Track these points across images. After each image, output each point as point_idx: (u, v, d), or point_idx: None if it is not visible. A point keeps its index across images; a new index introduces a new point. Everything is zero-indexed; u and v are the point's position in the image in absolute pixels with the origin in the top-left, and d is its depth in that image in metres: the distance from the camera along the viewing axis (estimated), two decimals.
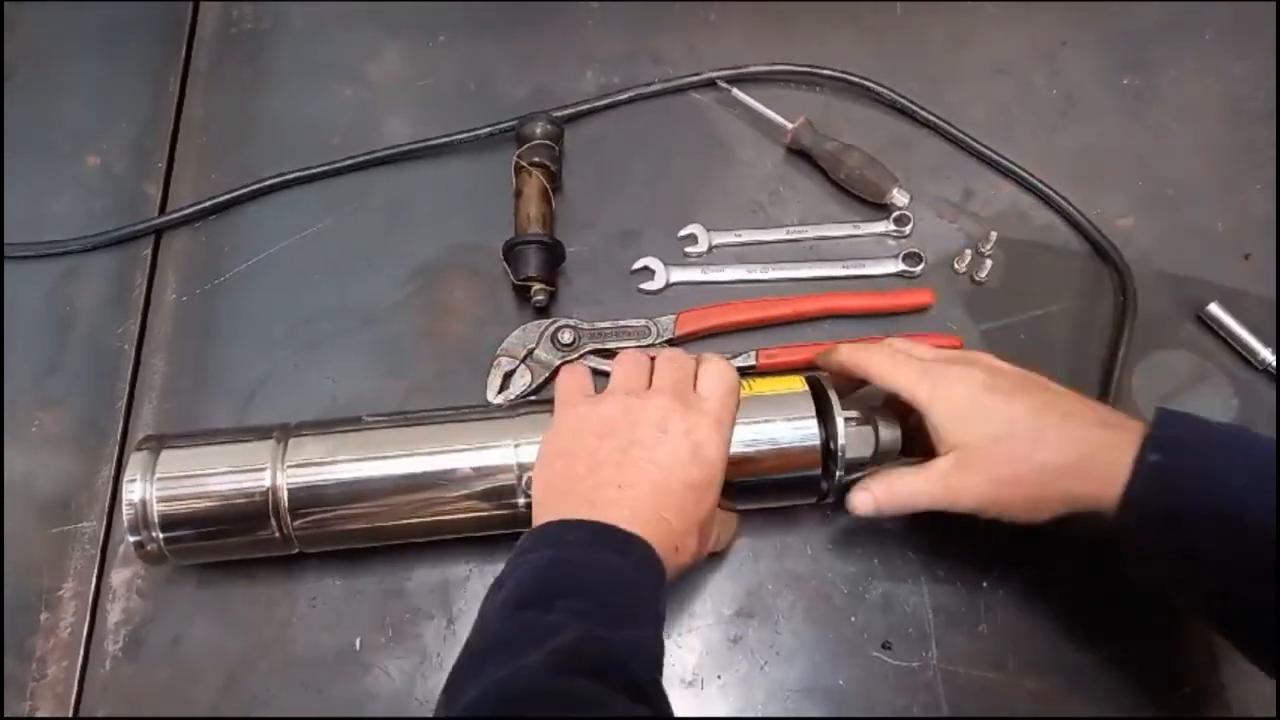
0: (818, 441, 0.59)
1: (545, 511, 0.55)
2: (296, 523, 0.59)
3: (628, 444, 0.55)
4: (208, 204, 0.76)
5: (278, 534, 0.59)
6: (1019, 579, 0.65)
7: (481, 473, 0.59)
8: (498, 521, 0.61)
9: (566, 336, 0.70)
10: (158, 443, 0.60)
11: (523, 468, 0.59)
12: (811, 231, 0.75)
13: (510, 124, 0.76)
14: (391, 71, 0.82)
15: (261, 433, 0.61)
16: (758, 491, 0.62)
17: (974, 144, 0.77)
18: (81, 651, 0.64)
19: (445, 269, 0.74)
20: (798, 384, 0.62)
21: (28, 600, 0.65)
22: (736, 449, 0.59)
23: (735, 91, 0.78)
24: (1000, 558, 0.65)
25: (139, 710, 0.62)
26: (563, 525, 0.52)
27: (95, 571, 0.66)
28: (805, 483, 0.61)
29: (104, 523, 0.67)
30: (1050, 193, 0.75)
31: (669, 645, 0.63)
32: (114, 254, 0.76)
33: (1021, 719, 0.61)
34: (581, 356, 0.70)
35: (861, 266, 0.74)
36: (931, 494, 0.57)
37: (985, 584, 0.64)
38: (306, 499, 0.59)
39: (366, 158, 0.77)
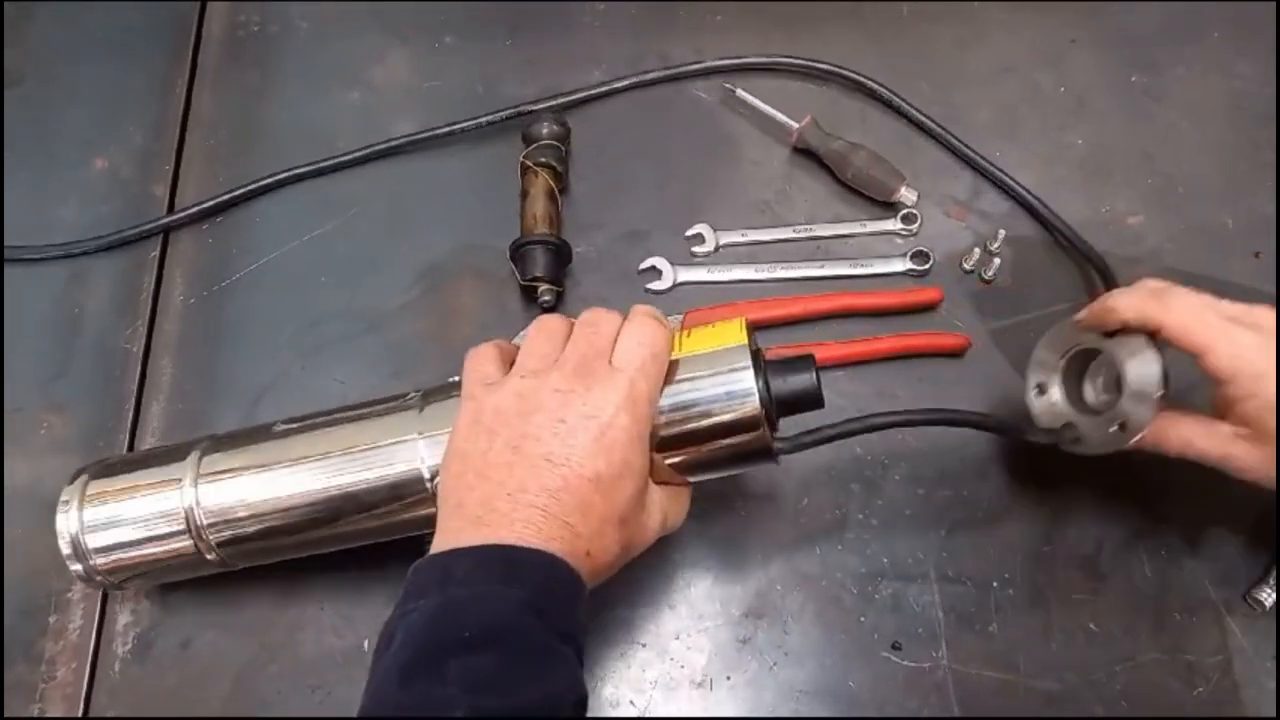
0: (755, 398, 0.51)
1: (442, 530, 0.49)
2: (215, 539, 0.57)
3: (519, 439, 0.48)
4: (215, 203, 0.76)
5: (208, 554, 0.58)
6: (1029, 578, 0.64)
7: (387, 475, 0.55)
8: (419, 523, 0.56)
9: None
10: (92, 470, 0.59)
11: (433, 469, 0.54)
12: (818, 231, 0.75)
13: (514, 113, 0.76)
14: (397, 74, 0.82)
15: (185, 450, 0.59)
16: (700, 464, 0.53)
17: (970, 152, 0.76)
18: (90, 654, 0.64)
19: (452, 270, 0.74)
20: (736, 333, 0.53)
21: (36, 603, 0.65)
22: (664, 419, 0.51)
23: (740, 92, 0.78)
24: (1011, 557, 0.65)
25: (148, 713, 0.62)
26: (451, 557, 0.47)
27: None
28: (753, 447, 0.52)
29: None
30: (1036, 204, 0.74)
31: (678, 647, 0.63)
32: (121, 257, 0.76)
33: (1037, 719, 0.61)
34: None
35: (869, 265, 0.74)
36: (1206, 452, 0.53)
37: (995, 584, 0.64)
38: (219, 514, 0.57)
39: (372, 150, 0.77)
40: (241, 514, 0.57)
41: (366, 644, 0.63)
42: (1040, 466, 0.67)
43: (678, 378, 0.52)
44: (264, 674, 0.63)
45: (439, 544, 0.49)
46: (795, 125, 0.76)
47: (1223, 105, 0.79)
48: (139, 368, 0.72)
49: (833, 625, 0.63)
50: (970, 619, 0.63)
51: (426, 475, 0.54)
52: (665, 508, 0.53)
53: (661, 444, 0.52)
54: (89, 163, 0.79)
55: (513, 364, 0.53)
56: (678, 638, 0.63)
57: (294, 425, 0.59)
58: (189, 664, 0.63)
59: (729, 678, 0.62)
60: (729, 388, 0.51)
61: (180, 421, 0.70)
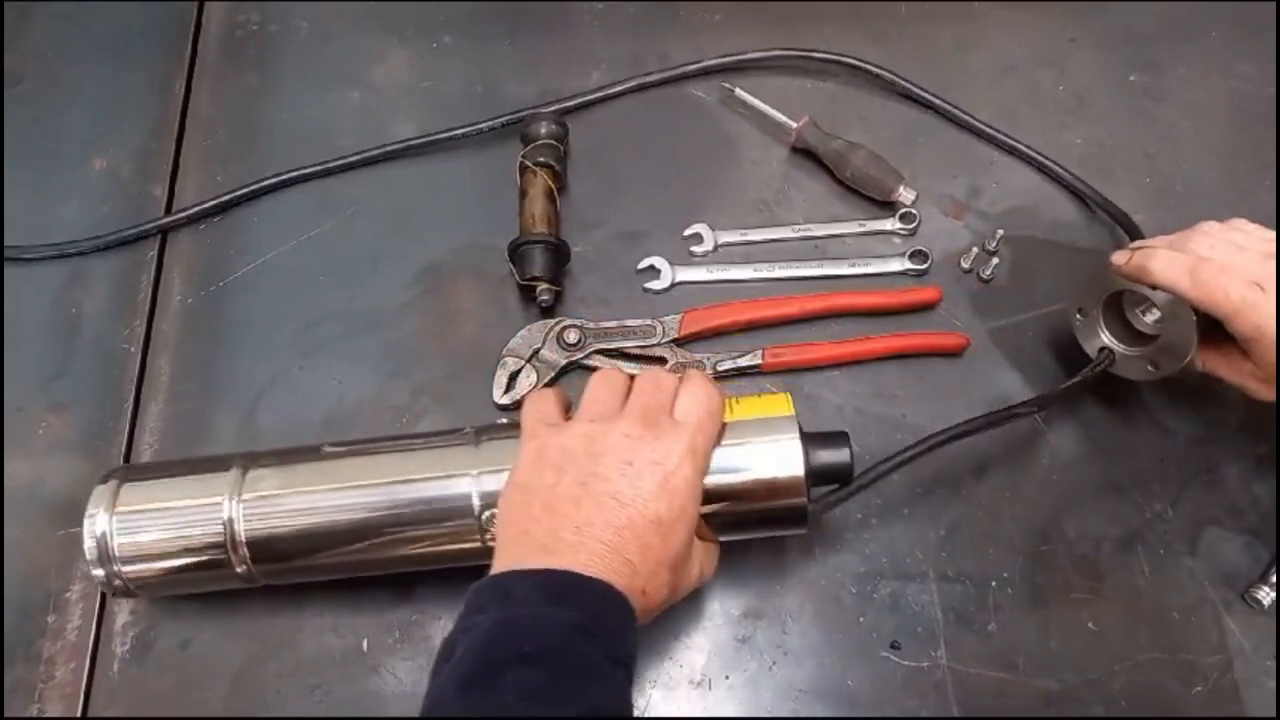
0: (801, 468, 0.55)
1: (502, 553, 0.52)
2: (254, 556, 0.57)
3: (588, 477, 0.51)
4: (213, 203, 0.76)
5: (238, 568, 0.57)
6: (1028, 578, 0.64)
7: (440, 505, 0.56)
8: (464, 555, 0.58)
9: (572, 336, 0.70)
10: (122, 474, 0.59)
11: (484, 499, 0.56)
12: (817, 230, 0.75)
13: (516, 116, 0.76)
14: (397, 74, 0.82)
15: (225, 463, 0.59)
16: (738, 523, 0.57)
17: (983, 127, 0.77)
18: (89, 654, 0.64)
19: (451, 270, 0.74)
20: (783, 405, 0.57)
21: (36, 603, 0.65)
22: (713, 478, 0.54)
23: (739, 92, 0.78)
24: (1009, 556, 0.65)
25: (147, 713, 0.62)
26: (513, 578, 0.49)
27: None
28: (790, 512, 0.56)
29: None
30: (1062, 172, 0.76)
31: (677, 647, 0.63)
32: (119, 257, 0.76)
33: (1036, 719, 0.61)
34: (587, 356, 0.70)
35: (867, 265, 0.74)
36: (1227, 378, 0.62)
37: (994, 583, 0.64)
38: (263, 531, 0.57)
39: (369, 155, 0.77)
40: (284, 534, 0.57)
41: (365, 643, 0.63)
42: (1039, 465, 0.67)
43: (728, 440, 0.56)
44: (263, 674, 0.63)
45: (499, 568, 0.51)
46: (794, 125, 0.76)
47: (1223, 105, 0.79)
48: (138, 368, 0.72)
49: (831, 625, 0.63)
50: (969, 618, 0.63)
51: (477, 509, 0.56)
52: (701, 561, 0.57)
53: (705, 499, 0.54)
54: (88, 163, 0.79)
55: (568, 411, 0.57)
56: (677, 637, 0.63)
57: (342, 449, 0.60)
58: (188, 664, 0.63)
59: (728, 677, 0.62)
60: (777, 454, 0.55)
61: (179, 421, 0.70)
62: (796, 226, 0.75)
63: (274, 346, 0.72)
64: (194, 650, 0.64)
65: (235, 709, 0.62)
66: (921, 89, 0.78)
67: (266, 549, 0.57)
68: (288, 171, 0.77)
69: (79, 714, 0.62)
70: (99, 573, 0.57)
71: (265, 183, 0.77)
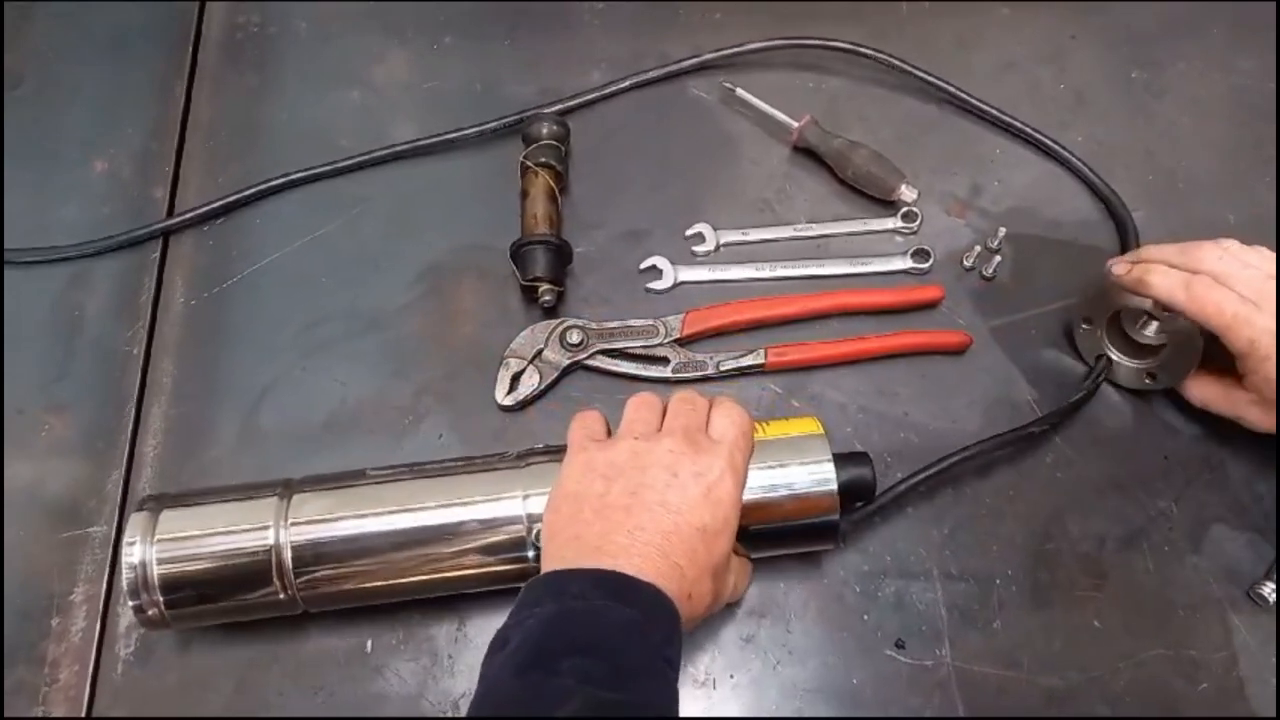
0: (834, 486, 0.58)
1: (552, 558, 0.54)
2: (301, 581, 0.57)
3: (637, 487, 0.54)
4: (215, 204, 0.76)
5: (282, 594, 0.57)
6: (1032, 576, 0.64)
7: (490, 526, 0.58)
8: (510, 576, 0.59)
9: (574, 337, 0.70)
10: (157, 503, 0.58)
11: (532, 520, 0.57)
12: (819, 229, 0.75)
13: (517, 118, 0.76)
14: (397, 75, 0.82)
15: (264, 489, 0.59)
16: (774, 538, 0.60)
17: (991, 110, 0.77)
18: (93, 656, 0.64)
19: (453, 270, 0.74)
20: (812, 426, 0.60)
21: (39, 605, 0.65)
22: (751, 494, 0.57)
23: (740, 91, 0.78)
24: (1013, 554, 0.65)
25: (150, 714, 0.62)
26: (567, 575, 0.51)
27: (105, 575, 0.66)
28: (822, 528, 0.59)
29: (114, 527, 0.67)
30: (1070, 156, 0.76)
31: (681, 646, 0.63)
32: (121, 259, 0.76)
33: (1038, 719, 0.61)
34: (590, 356, 0.70)
35: (869, 264, 0.74)
36: (1222, 411, 0.64)
37: (998, 581, 0.64)
38: (311, 557, 0.57)
39: (371, 156, 0.77)
40: (335, 553, 0.57)
41: (370, 644, 0.63)
42: (1043, 463, 0.67)
43: (766, 461, 0.59)
44: (266, 675, 0.63)
45: (549, 569, 0.53)
46: (795, 124, 0.76)
47: (1223, 101, 0.79)
48: (140, 369, 0.72)
49: (835, 623, 0.63)
50: (973, 616, 0.63)
51: (528, 530, 0.58)
52: (736, 573, 0.59)
53: (744, 515, 0.56)
54: (89, 165, 0.79)
55: (608, 433, 0.60)
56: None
57: (385, 473, 0.60)
58: (191, 666, 0.63)
59: (732, 676, 0.62)
60: (812, 471, 0.59)
61: (181, 422, 0.70)
62: (798, 226, 0.75)
63: (276, 347, 0.72)
64: (197, 652, 0.63)
65: (238, 710, 0.62)
66: (925, 73, 0.78)
67: (315, 573, 0.57)
68: (289, 173, 0.77)
69: (83, 715, 0.62)
70: (134, 602, 0.56)
71: (266, 184, 0.77)
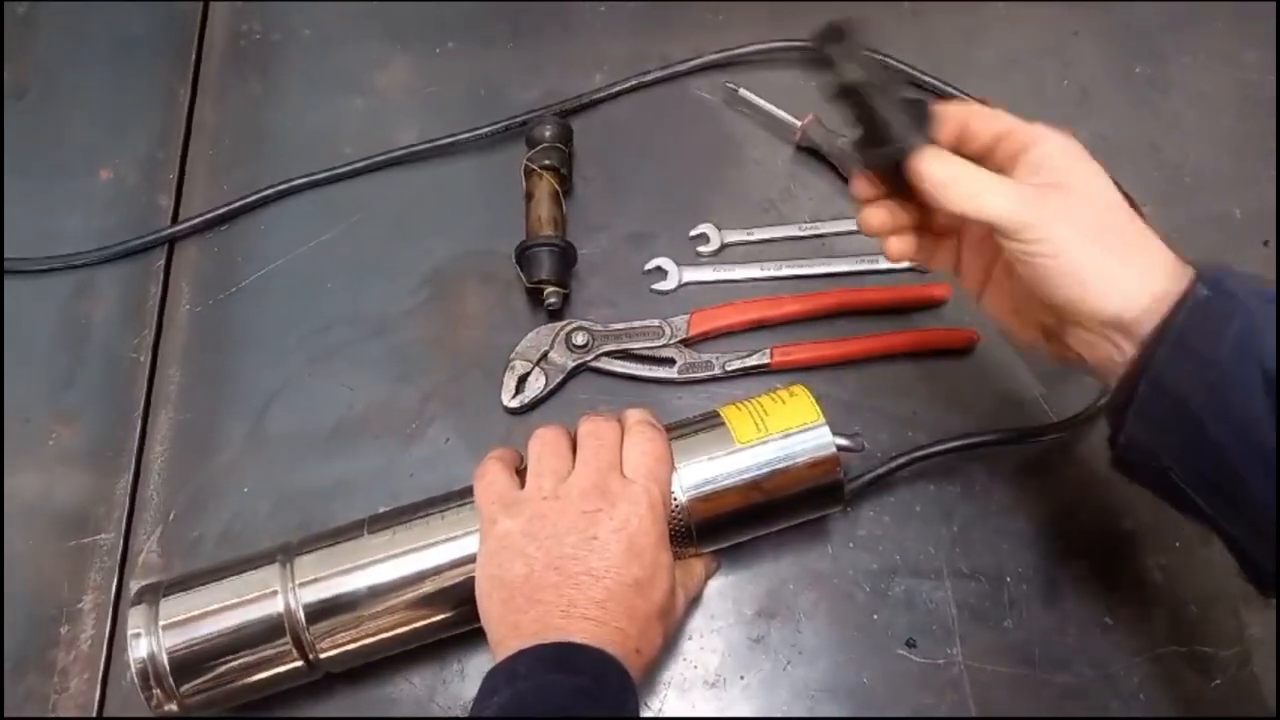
0: (833, 448, 0.59)
1: (499, 646, 0.53)
2: (320, 641, 0.55)
3: (558, 560, 0.52)
4: (220, 211, 0.76)
5: (301, 660, 0.56)
6: (1043, 572, 0.64)
7: None
8: None
9: (580, 339, 0.70)
10: (154, 592, 0.56)
11: None
12: (824, 228, 0.75)
13: (520, 121, 0.76)
14: (400, 80, 0.82)
15: (263, 558, 0.57)
16: (784, 509, 0.60)
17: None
18: (103, 663, 0.64)
19: (457, 274, 0.74)
20: (802, 395, 0.61)
21: (48, 613, 0.65)
22: (754, 473, 0.58)
23: (743, 91, 0.78)
24: (1023, 551, 0.64)
25: None
26: (516, 658, 0.51)
27: (114, 583, 0.66)
28: (828, 489, 0.60)
29: (122, 534, 0.67)
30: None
31: (691, 648, 0.63)
32: (127, 266, 0.76)
33: (1051, 719, 0.61)
34: (596, 358, 0.70)
35: (875, 262, 0.73)
36: (997, 209, 0.49)
37: (1009, 579, 0.64)
38: (324, 614, 0.55)
39: (375, 161, 0.77)
40: (352, 609, 0.56)
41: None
42: (1052, 459, 0.67)
43: (762, 437, 0.59)
44: None
45: (499, 655, 0.52)
46: (798, 123, 0.76)
47: (1229, 95, 0.79)
48: (146, 377, 0.72)
49: (846, 623, 0.63)
50: (984, 614, 0.63)
51: None
52: (684, 583, 0.59)
53: (748, 493, 0.58)
54: (93, 173, 0.79)
55: (520, 465, 0.58)
56: (690, 638, 0.63)
57: (381, 525, 0.58)
58: None
59: (742, 677, 0.62)
60: (806, 439, 0.59)
61: (189, 429, 0.70)
62: (803, 225, 0.75)
63: (283, 353, 0.72)
64: None
65: (244, 713, 0.62)
66: (925, 73, 0.78)
67: (332, 629, 0.56)
68: (293, 179, 0.77)
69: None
70: (148, 694, 0.54)
71: (271, 190, 0.77)
